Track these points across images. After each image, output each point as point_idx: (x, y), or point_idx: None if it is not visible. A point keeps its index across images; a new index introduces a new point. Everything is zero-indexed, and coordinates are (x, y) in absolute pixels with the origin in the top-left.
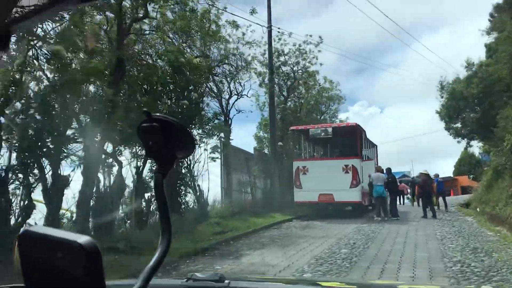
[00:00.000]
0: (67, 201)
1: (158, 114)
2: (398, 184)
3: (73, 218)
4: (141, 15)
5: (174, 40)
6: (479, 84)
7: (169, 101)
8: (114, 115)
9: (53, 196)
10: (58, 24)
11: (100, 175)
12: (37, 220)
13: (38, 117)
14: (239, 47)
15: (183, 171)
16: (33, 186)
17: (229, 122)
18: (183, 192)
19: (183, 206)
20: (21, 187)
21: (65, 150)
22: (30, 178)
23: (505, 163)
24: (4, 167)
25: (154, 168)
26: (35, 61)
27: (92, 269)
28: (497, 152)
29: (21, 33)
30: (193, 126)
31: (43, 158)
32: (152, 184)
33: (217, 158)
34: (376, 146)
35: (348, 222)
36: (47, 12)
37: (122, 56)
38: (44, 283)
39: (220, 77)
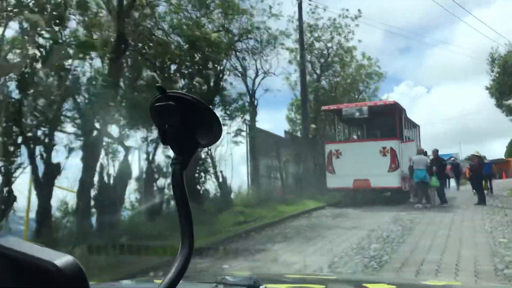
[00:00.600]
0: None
1: (174, 90)
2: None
3: (71, 210)
4: None
5: (190, 12)
6: None
7: (183, 80)
8: (115, 95)
9: (44, 185)
10: None
11: (105, 162)
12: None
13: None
14: (263, 20)
15: (203, 155)
16: (12, 172)
17: (255, 103)
18: (202, 179)
19: (203, 194)
20: None
21: (56, 134)
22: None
23: None
24: None
25: (169, 155)
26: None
27: None
28: None
29: None
30: (213, 108)
31: (30, 142)
32: (166, 170)
33: (241, 142)
34: (419, 126)
35: (385, 210)
36: None
37: (123, 30)
38: None
39: (244, 53)
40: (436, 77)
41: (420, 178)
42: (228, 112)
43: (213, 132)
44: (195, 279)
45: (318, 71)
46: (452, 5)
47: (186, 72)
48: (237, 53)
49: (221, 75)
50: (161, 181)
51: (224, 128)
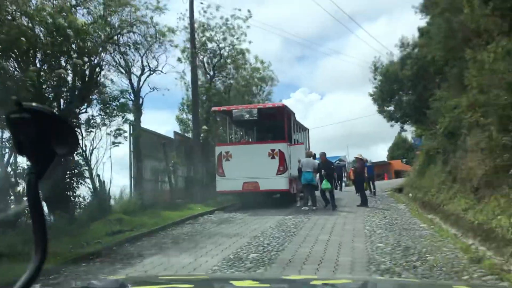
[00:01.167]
0: None
1: (30, 103)
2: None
3: None
4: None
5: None
6: (413, 66)
7: (50, 71)
8: None
9: None
10: None
11: None
12: None
13: None
14: (146, 13)
15: (77, 158)
16: None
17: (140, 101)
18: (74, 185)
19: (74, 201)
20: None
21: None
22: None
23: (438, 147)
24: None
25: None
26: None
27: None
28: (430, 136)
29: None
30: (87, 106)
31: None
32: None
33: (120, 143)
34: (308, 129)
35: (273, 214)
36: None
37: None
38: None
39: (126, 48)
40: (329, 85)
41: (307, 180)
42: (107, 111)
43: (70, 141)
44: (61, 286)
45: (211, 72)
46: (344, 18)
47: (54, 63)
48: (120, 48)
49: (98, 70)
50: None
51: (103, 128)
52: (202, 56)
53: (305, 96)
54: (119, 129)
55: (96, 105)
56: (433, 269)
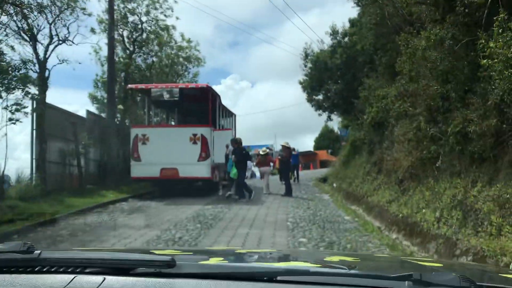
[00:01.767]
0: None
1: None
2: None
3: None
4: None
5: None
6: (342, 55)
7: None
8: None
9: None
10: None
11: None
12: None
13: None
14: None
15: None
16: None
17: (47, 74)
18: None
19: None
20: None
21: None
22: None
23: (364, 138)
24: None
25: None
26: None
27: None
28: (356, 126)
29: None
30: None
31: None
32: None
33: (18, 120)
34: (235, 115)
35: (191, 203)
36: None
37: None
38: None
39: (29, 11)
40: (261, 73)
41: None
42: (4, 82)
43: None
44: None
45: (131, 47)
46: (281, 4)
47: None
48: (22, 10)
49: None
50: None
51: None
52: (121, 30)
53: (236, 83)
54: (17, 104)
55: None
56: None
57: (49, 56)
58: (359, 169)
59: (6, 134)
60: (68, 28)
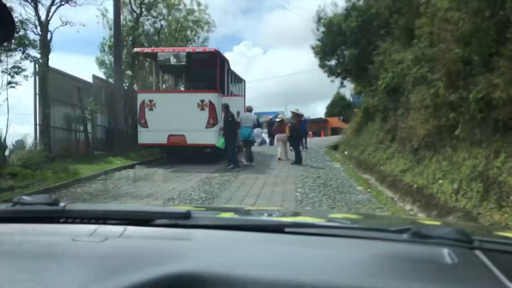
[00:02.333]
0: None
1: None
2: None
3: None
4: None
5: None
6: (357, 18)
7: None
8: None
9: None
10: None
11: None
12: None
13: None
14: None
15: None
16: None
17: (49, 36)
18: None
19: None
20: None
21: None
22: None
23: (377, 105)
24: None
25: None
26: None
27: None
28: (370, 93)
29: None
30: None
31: None
32: None
33: (17, 83)
34: (244, 81)
35: (199, 170)
36: None
37: None
38: None
39: None
40: (273, 39)
41: (245, 136)
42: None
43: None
44: None
45: (138, 10)
46: None
47: None
48: None
49: None
50: None
51: None
52: None
53: (248, 50)
54: (16, 67)
55: None
56: None
57: (51, 17)
58: (371, 137)
59: (7, 99)
60: None
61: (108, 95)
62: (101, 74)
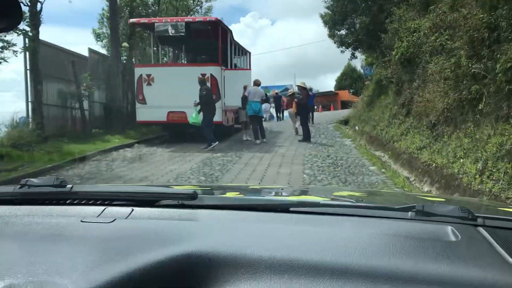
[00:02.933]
0: None
1: None
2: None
3: None
4: None
5: None
6: None
7: None
8: None
9: None
10: None
11: None
12: None
13: None
14: None
15: None
16: None
17: (39, 7)
18: None
19: None
20: None
21: None
22: None
23: (391, 77)
24: None
25: None
26: None
27: None
28: (382, 64)
29: None
30: None
31: None
32: None
33: (4, 59)
34: (249, 53)
35: (201, 150)
36: None
37: None
38: None
39: None
40: (281, 10)
41: (255, 111)
42: None
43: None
44: None
45: None
46: None
47: None
48: None
49: None
50: None
51: None
52: None
53: (255, 21)
54: (3, 41)
55: None
56: None
57: None
58: (384, 111)
59: None
60: None
61: (106, 69)
62: (98, 48)
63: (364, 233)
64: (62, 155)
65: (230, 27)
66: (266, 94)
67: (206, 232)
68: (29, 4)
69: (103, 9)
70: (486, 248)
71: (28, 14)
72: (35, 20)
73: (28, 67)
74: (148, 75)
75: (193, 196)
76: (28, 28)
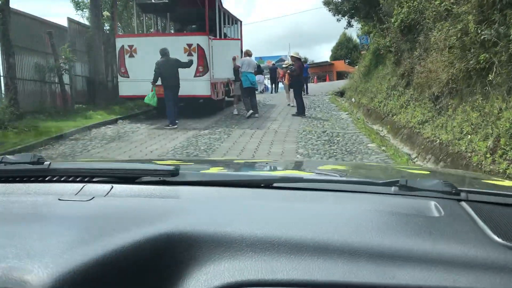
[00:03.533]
0: None
1: None
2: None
3: None
4: None
5: None
6: None
7: None
8: None
9: None
10: None
11: None
12: None
13: None
14: None
15: None
16: None
17: None
18: None
19: None
20: None
21: None
22: None
23: (389, 46)
24: None
25: None
26: None
27: None
28: (380, 32)
29: None
30: None
31: None
32: None
33: None
34: (240, 22)
35: (188, 126)
36: None
37: None
38: None
39: None
40: None
41: (252, 83)
42: None
43: None
44: None
45: None
46: None
47: None
48: None
49: None
50: None
51: None
52: None
53: None
54: None
55: None
56: None
57: None
58: (382, 82)
59: None
60: None
61: (87, 41)
62: (79, 19)
63: (347, 209)
64: (37, 134)
65: None
66: (259, 65)
67: (187, 210)
68: None
69: None
70: (468, 224)
71: None
72: None
73: None
74: (130, 46)
75: (174, 172)
76: None
